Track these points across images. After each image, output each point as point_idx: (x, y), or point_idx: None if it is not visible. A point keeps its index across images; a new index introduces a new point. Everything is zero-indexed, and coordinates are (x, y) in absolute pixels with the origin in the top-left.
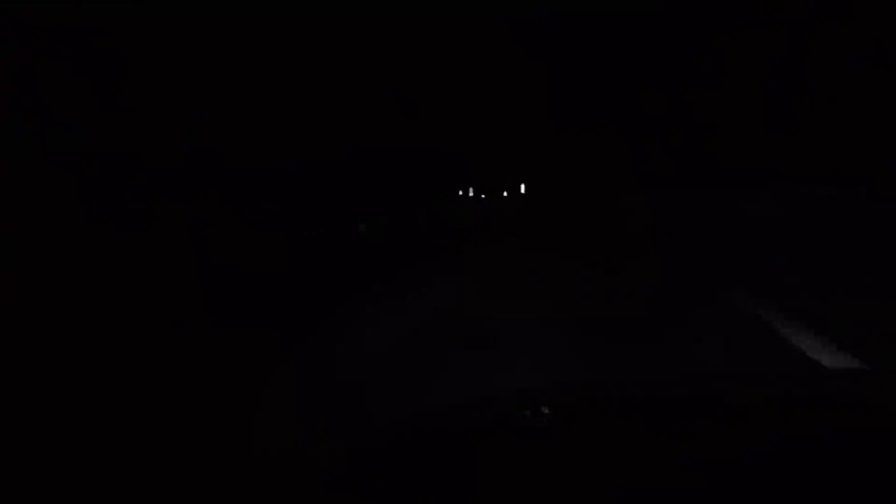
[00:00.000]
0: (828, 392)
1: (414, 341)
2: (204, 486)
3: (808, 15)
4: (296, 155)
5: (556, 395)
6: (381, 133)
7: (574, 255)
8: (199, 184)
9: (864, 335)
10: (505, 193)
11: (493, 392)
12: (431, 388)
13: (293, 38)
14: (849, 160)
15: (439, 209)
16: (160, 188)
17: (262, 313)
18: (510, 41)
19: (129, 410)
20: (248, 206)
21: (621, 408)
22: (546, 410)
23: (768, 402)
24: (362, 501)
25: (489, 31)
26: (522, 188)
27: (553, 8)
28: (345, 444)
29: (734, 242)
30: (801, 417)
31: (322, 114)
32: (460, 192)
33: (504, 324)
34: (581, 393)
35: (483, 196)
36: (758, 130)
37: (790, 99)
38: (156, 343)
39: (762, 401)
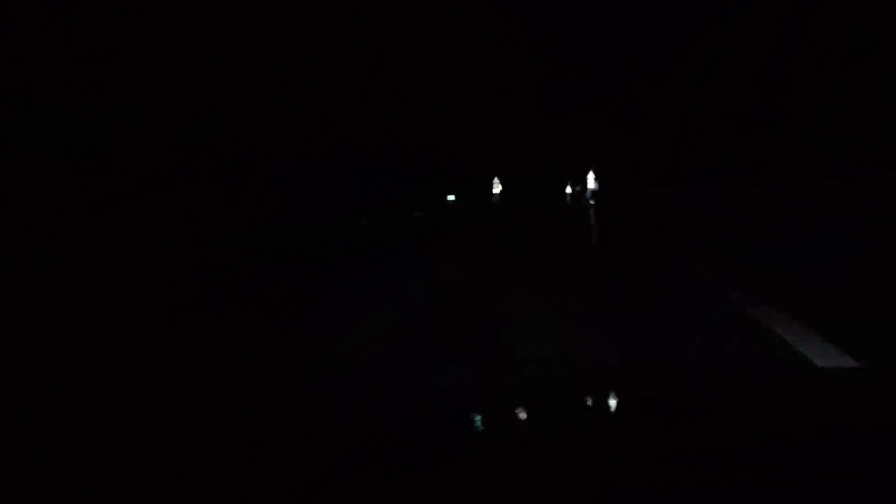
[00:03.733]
0: (820, 391)
1: None
2: (205, 483)
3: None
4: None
5: (556, 382)
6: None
7: None
8: (197, 182)
9: (854, 331)
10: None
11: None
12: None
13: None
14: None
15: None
16: (157, 187)
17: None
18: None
19: (129, 408)
20: (254, 203)
21: (619, 401)
22: (544, 396)
23: (759, 401)
24: (370, 488)
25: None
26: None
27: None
28: (351, 431)
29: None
30: (794, 417)
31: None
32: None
33: None
34: (581, 383)
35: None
36: (751, 129)
37: (784, 98)
38: (154, 340)
39: (753, 401)
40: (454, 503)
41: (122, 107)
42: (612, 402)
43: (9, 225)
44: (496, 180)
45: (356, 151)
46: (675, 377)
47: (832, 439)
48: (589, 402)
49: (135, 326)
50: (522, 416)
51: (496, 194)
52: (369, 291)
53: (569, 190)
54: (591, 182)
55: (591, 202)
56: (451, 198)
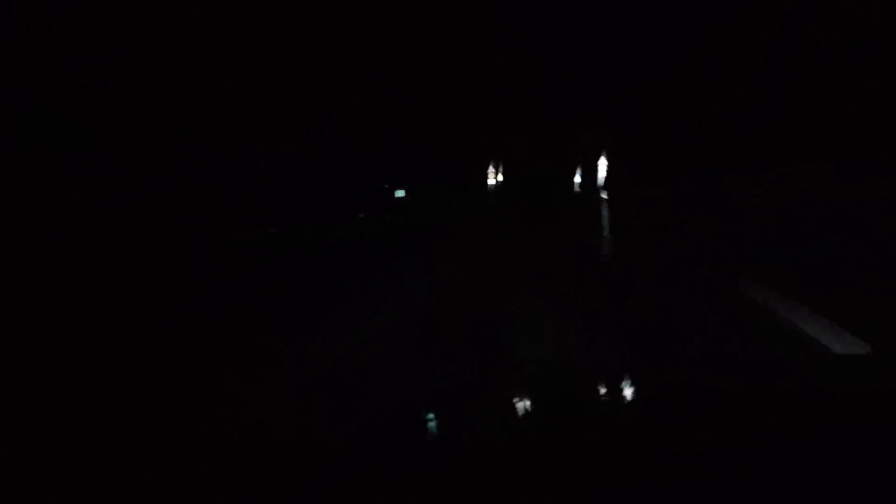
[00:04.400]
0: (835, 377)
1: None
2: (205, 483)
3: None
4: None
5: (556, 382)
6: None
7: None
8: (197, 182)
9: (867, 320)
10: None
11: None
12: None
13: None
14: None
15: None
16: (157, 187)
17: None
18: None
19: (129, 408)
20: (249, 202)
21: (629, 395)
22: (546, 396)
23: (775, 387)
24: (370, 488)
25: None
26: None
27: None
28: (351, 431)
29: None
30: (808, 403)
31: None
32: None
33: None
34: (584, 380)
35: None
36: (755, 121)
37: (784, 97)
38: (154, 339)
39: (769, 387)
40: (454, 503)
41: (122, 107)
42: (612, 402)
43: (9, 225)
44: (491, 169)
45: (356, 151)
46: (675, 377)
47: (841, 430)
48: (589, 402)
49: (135, 326)
50: (522, 416)
51: (492, 185)
52: (369, 291)
53: (577, 179)
54: (601, 170)
55: (604, 196)
56: (399, 193)
